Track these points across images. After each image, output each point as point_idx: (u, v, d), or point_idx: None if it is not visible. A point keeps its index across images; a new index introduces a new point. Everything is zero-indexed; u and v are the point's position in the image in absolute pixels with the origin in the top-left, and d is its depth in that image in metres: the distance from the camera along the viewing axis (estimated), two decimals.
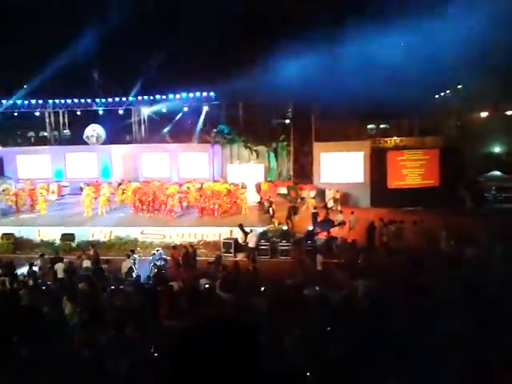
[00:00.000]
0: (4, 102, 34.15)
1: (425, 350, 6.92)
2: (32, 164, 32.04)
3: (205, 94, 32.17)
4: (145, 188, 24.07)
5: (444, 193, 24.12)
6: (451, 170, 24.78)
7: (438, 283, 10.98)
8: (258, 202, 23.63)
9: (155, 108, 34.06)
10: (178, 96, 33.00)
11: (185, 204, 23.68)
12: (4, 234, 20.13)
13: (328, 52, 25.95)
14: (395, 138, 29.63)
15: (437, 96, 34.74)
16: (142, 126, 35.91)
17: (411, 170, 25.79)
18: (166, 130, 35.38)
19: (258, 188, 26.02)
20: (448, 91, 33.49)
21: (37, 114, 35.85)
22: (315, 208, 21.06)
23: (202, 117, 33.05)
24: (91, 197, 23.21)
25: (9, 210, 24.09)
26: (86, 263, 14.87)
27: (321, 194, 25.69)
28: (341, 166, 26.23)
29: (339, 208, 23.20)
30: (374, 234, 17.76)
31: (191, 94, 32.59)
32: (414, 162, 25.80)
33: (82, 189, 24.79)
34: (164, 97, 33.42)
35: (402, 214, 21.22)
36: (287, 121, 29.86)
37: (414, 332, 7.82)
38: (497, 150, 28.75)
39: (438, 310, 8.72)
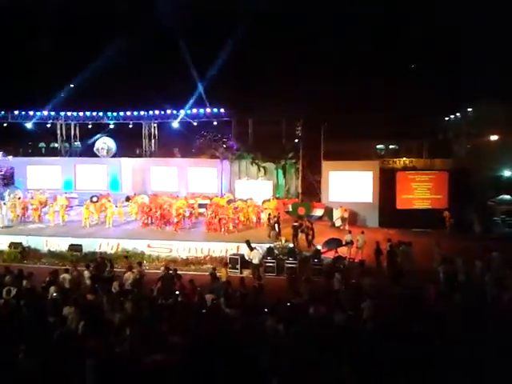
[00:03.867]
0: (16, 112, 34.63)
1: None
2: (42, 174, 32.31)
3: (215, 109, 32.43)
4: (152, 203, 24.29)
5: (452, 215, 23.96)
6: (460, 193, 24.65)
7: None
8: (267, 219, 23.60)
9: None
10: (188, 111, 33.32)
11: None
12: (12, 243, 20.18)
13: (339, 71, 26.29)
14: (404, 158, 29.61)
15: (447, 118, 34.78)
16: (152, 140, 36.23)
17: (420, 192, 25.71)
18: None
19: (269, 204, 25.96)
20: (458, 114, 33.51)
21: (48, 125, 36.32)
22: (296, 222, 21.20)
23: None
24: (90, 210, 23.51)
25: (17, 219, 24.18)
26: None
27: (329, 212, 25.62)
28: (349, 185, 26.18)
29: (347, 227, 23.12)
30: (381, 255, 17.61)
31: (202, 110, 32.88)
32: (422, 183, 25.74)
33: (91, 201, 25.17)
34: (174, 112, 33.76)
35: (411, 235, 21.14)
36: (296, 139, 29.95)
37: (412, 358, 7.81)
38: (507, 173, 28.58)
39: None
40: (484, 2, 27.26)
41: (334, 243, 19.10)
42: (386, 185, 25.66)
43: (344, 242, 19.06)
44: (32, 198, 26.17)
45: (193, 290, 12.79)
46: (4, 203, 24.73)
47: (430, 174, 26.22)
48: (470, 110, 31.94)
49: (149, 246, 19.90)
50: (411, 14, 29.23)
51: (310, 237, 20.46)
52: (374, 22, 30.28)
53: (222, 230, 21.89)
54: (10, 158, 34.91)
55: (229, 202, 25.40)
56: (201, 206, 25.39)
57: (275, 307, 10.63)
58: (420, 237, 21.30)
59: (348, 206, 24.91)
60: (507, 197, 25.34)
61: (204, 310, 10.93)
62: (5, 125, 35.46)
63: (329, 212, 25.65)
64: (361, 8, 28.52)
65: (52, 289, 12.49)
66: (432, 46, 28.67)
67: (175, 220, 22.42)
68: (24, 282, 13.20)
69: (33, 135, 39.45)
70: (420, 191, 25.72)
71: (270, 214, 23.07)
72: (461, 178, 25.19)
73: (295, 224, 21.10)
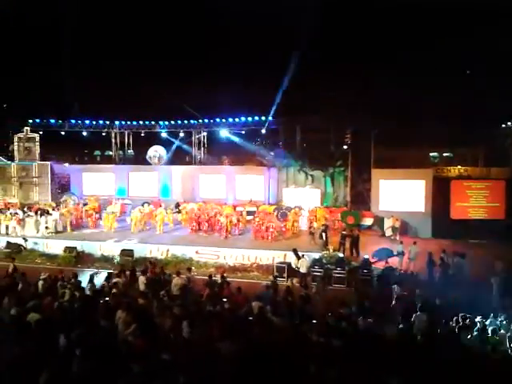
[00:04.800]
0: (73, 121, 36.18)
1: None
2: (97, 181, 33.52)
3: (263, 117, 32.56)
4: (201, 210, 24.71)
5: (510, 226, 22.84)
6: None
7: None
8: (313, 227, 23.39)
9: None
10: (237, 119, 33.66)
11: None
12: (67, 247, 20.99)
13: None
14: (459, 167, 28.54)
15: (503, 125, 33.31)
16: (202, 148, 36.84)
17: (475, 200, 24.70)
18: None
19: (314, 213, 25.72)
20: None
21: (103, 133, 37.77)
22: (344, 230, 21.17)
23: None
24: (138, 217, 24.22)
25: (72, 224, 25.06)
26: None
27: (378, 221, 25.06)
28: (400, 194, 25.47)
29: (398, 237, 22.51)
30: (434, 266, 17.00)
31: (250, 118, 33.11)
32: (478, 190, 24.69)
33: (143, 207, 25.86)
34: (224, 120, 34.21)
35: (466, 246, 20.30)
36: (345, 146, 29.55)
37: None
38: None
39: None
40: None
41: (384, 253, 18.64)
42: (440, 194, 24.76)
43: (395, 253, 18.56)
44: (86, 203, 27.19)
45: (240, 298, 12.81)
46: (59, 209, 25.84)
47: (487, 181, 25.17)
48: None
49: (197, 252, 20.15)
50: (466, 19, 28.23)
51: (348, 245, 20.22)
52: (429, 24, 29.43)
53: (269, 237, 21.89)
54: (66, 165, 36.42)
55: (275, 209, 25.39)
56: (248, 213, 25.54)
57: (322, 317, 10.49)
58: (476, 248, 20.42)
59: (399, 215, 24.26)
60: None
61: (251, 318, 10.90)
62: (62, 133, 37.10)
63: (379, 221, 25.09)
64: (415, 8, 27.71)
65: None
66: (487, 51, 27.55)
67: (224, 227, 22.64)
68: (88, 285, 13.66)
69: (89, 143, 40.99)
70: (476, 199, 24.68)
71: (310, 222, 23.06)
72: None
73: (343, 232, 20.82)
